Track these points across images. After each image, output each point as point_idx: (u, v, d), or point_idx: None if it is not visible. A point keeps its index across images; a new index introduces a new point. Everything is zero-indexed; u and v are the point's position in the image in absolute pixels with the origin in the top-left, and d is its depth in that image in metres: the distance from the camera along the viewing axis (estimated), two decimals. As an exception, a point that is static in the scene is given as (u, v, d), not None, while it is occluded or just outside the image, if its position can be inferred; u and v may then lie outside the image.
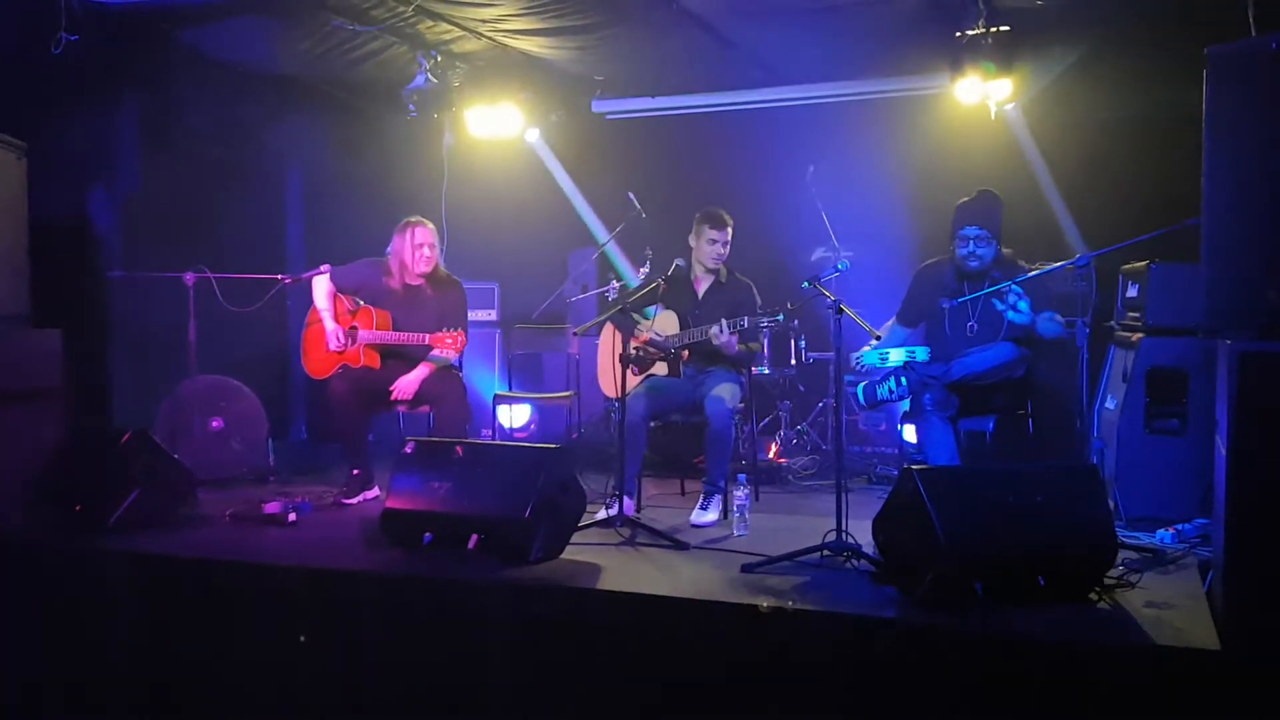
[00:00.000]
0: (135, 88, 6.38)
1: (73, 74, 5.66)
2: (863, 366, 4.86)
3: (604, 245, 7.23)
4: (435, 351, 5.39)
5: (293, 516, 4.88)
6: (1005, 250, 4.93)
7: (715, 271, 5.37)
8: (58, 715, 4.26)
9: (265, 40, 6.35)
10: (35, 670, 4.29)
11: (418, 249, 5.49)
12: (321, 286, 5.57)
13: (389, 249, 5.57)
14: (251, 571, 4.14)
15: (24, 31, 5.46)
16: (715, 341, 4.99)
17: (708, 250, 5.29)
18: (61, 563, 4.36)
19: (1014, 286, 4.56)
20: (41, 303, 5.52)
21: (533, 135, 7.74)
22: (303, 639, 3.93)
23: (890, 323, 5.11)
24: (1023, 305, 4.53)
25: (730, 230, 5.29)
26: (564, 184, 8.03)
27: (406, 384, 5.39)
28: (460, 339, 5.29)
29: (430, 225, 5.56)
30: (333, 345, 5.45)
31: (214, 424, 6.03)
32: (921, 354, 4.70)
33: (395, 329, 5.45)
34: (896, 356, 4.71)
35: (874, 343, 4.81)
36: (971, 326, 4.82)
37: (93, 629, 4.22)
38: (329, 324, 5.48)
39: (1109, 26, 6.00)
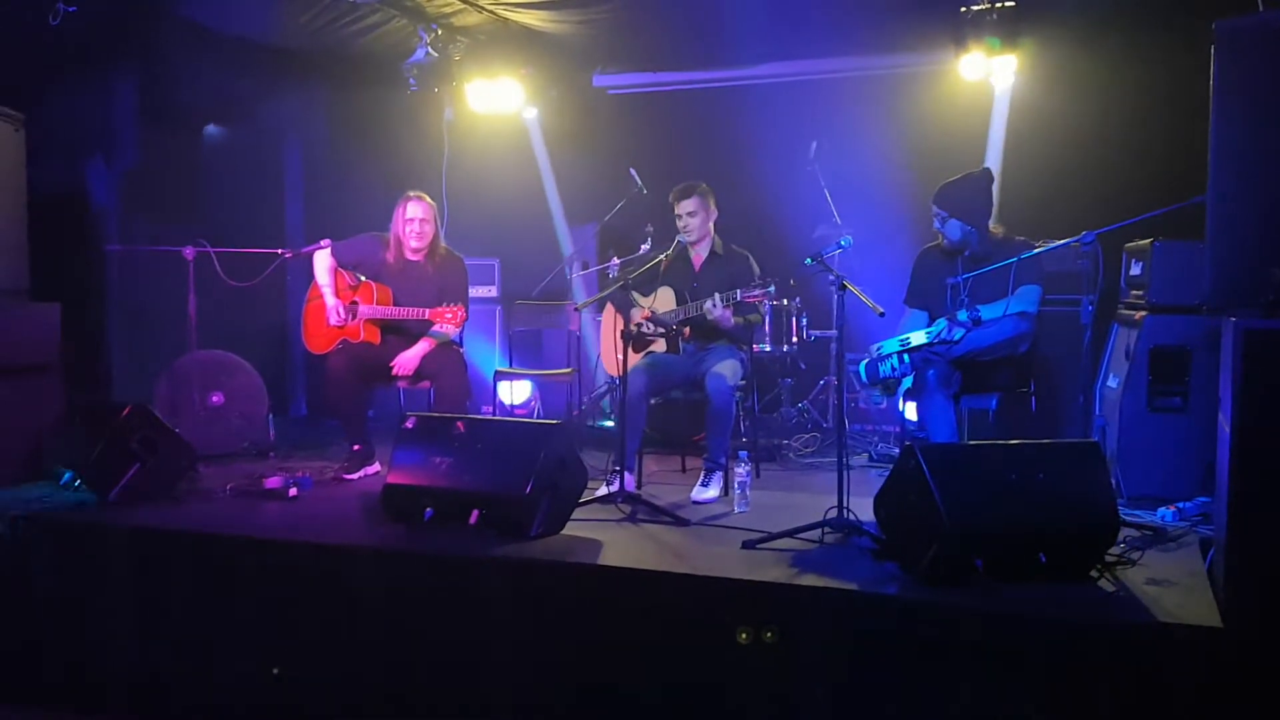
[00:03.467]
0: (133, 60, 6.35)
1: (70, 46, 5.63)
2: (885, 356, 4.79)
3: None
4: (436, 327, 5.37)
5: (293, 491, 4.87)
6: (996, 228, 4.91)
7: (710, 243, 5.33)
8: (57, 690, 4.27)
9: (264, 13, 6.31)
10: (36, 645, 4.30)
11: (409, 224, 5.47)
12: (322, 262, 5.54)
13: (391, 223, 5.55)
14: (252, 546, 4.13)
15: (22, 3, 5.42)
16: (710, 316, 4.97)
17: (681, 224, 5.26)
18: (61, 537, 4.34)
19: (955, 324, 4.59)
20: (40, 277, 5.51)
21: (530, 114, 7.70)
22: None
23: (906, 314, 5.08)
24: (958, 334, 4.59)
25: (699, 198, 5.22)
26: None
27: (407, 360, 5.38)
28: (460, 313, 5.27)
29: (425, 200, 5.52)
30: (333, 320, 5.43)
31: (214, 399, 6.02)
32: (938, 329, 4.68)
33: (396, 304, 5.43)
34: (919, 339, 4.69)
35: (900, 338, 4.81)
36: (963, 299, 4.81)
37: (93, 603, 4.22)
38: (329, 299, 5.46)
39: (1115, 1, 5.95)
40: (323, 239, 5.60)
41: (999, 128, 6.65)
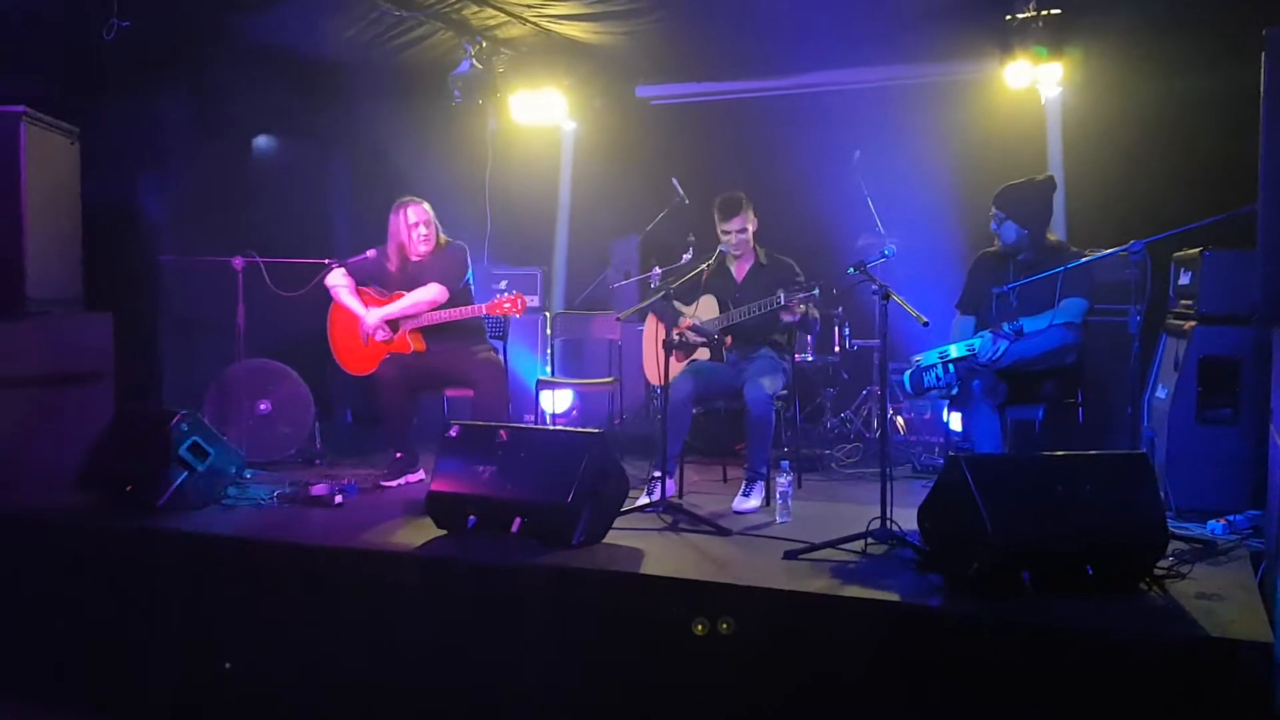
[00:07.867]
0: (185, 74, 6.45)
1: (124, 60, 5.72)
2: (929, 367, 4.76)
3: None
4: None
5: (339, 499, 4.92)
6: (1051, 236, 4.89)
7: (753, 253, 5.32)
8: (103, 694, 4.33)
9: (312, 27, 6.39)
10: (81, 649, 4.37)
11: (413, 229, 5.48)
12: (341, 282, 5.60)
13: (389, 234, 5.57)
14: (298, 553, 4.19)
15: (76, 17, 5.53)
16: (783, 315, 4.89)
17: (724, 240, 5.24)
18: (111, 543, 4.43)
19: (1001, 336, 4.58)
20: (93, 286, 5.61)
21: (568, 127, 7.76)
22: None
23: (957, 318, 5.06)
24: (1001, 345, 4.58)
25: (744, 216, 5.19)
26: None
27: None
28: (520, 299, 5.31)
29: (423, 203, 5.53)
30: (379, 338, 5.46)
31: (261, 407, 6.10)
32: (979, 344, 4.64)
33: None
34: (956, 352, 4.66)
35: (938, 350, 4.79)
36: (1011, 304, 4.79)
37: (141, 608, 4.29)
38: (368, 316, 5.47)
39: (1163, 7, 5.88)
40: (369, 249, 5.64)
41: (1055, 137, 6.60)
